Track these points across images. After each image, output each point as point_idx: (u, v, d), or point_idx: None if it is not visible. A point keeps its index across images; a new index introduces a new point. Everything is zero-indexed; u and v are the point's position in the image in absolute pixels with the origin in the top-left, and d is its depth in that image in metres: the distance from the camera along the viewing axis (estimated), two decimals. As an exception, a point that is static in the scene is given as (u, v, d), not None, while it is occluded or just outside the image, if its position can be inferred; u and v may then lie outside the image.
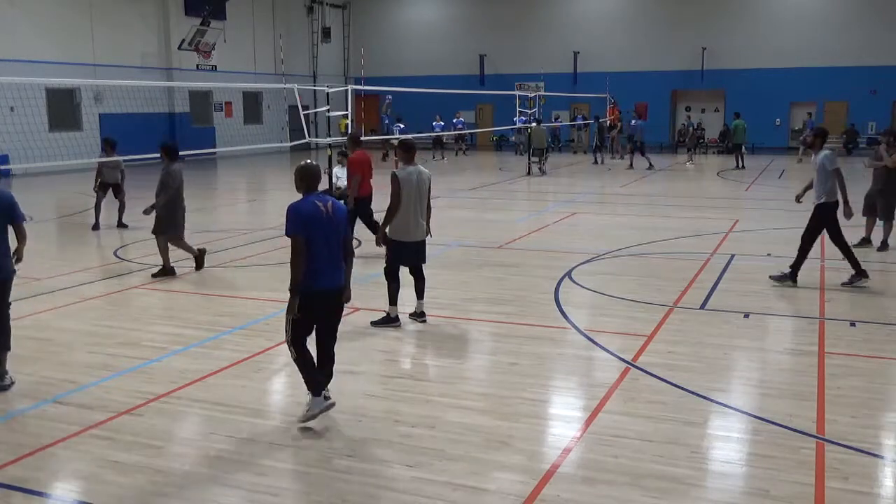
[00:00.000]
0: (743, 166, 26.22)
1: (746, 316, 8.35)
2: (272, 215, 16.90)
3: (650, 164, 26.75)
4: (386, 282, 8.11)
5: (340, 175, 15.41)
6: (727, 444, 5.36)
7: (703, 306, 8.75)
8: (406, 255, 8.06)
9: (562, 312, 8.04)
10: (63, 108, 26.85)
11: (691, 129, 31.39)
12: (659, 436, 5.36)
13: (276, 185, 25.45)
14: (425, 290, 8.26)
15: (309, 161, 5.74)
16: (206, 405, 5.96)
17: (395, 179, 7.80)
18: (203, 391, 6.25)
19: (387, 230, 7.98)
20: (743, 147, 26.65)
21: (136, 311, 8.88)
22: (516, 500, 4.54)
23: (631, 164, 27.42)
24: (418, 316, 8.21)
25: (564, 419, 5.86)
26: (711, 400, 6.02)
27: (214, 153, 31.81)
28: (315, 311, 5.57)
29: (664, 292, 9.32)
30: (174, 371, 6.69)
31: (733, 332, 7.87)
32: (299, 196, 5.58)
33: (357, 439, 5.37)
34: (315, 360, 5.74)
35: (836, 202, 9.32)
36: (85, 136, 26.66)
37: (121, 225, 14.47)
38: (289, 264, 5.53)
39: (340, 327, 7.99)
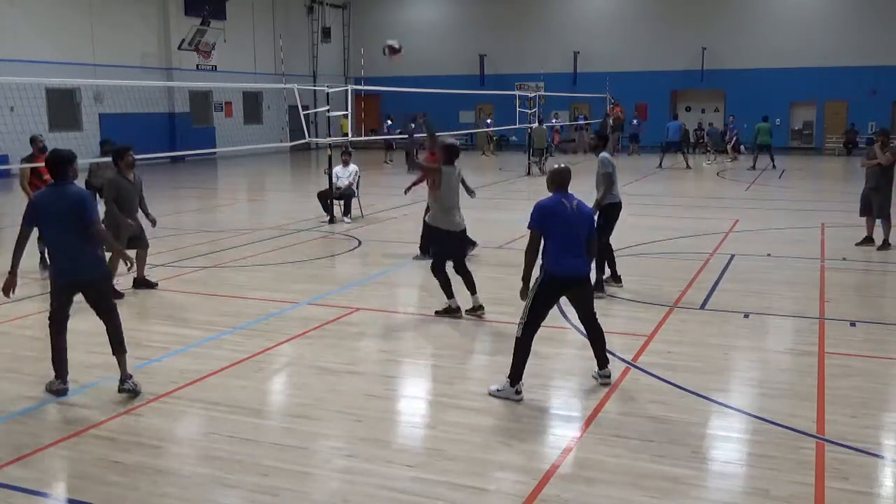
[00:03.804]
0: (752, 166, 26.29)
1: (746, 316, 8.35)
2: (272, 215, 16.93)
3: (660, 163, 27.54)
4: (437, 280, 8.32)
5: (341, 175, 15.44)
6: (727, 444, 5.36)
7: (703, 306, 8.75)
8: (452, 245, 8.39)
9: (561, 312, 8.02)
10: (63, 108, 26.82)
11: (726, 130, 31.21)
12: (659, 436, 5.36)
13: (276, 185, 25.48)
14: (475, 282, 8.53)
15: (562, 164, 6.33)
16: (206, 405, 5.96)
17: (439, 170, 8.31)
18: (203, 391, 6.25)
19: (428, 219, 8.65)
20: (761, 148, 26.51)
21: (137, 311, 8.88)
22: (516, 500, 4.54)
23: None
24: (476, 310, 8.38)
25: (564, 419, 5.86)
26: (711, 400, 6.02)
27: (214, 153, 31.82)
28: (555, 296, 6.15)
29: (664, 292, 9.32)
30: (174, 371, 6.69)
31: (733, 332, 7.87)
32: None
33: (357, 439, 5.37)
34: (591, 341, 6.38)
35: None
36: (85, 136, 26.64)
37: None
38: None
39: (346, 328, 8.04)
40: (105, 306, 6.12)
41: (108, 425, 5.60)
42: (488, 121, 34.69)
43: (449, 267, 8.39)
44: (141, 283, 9.69)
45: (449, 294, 8.32)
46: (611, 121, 31.72)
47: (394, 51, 10.93)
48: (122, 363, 6.09)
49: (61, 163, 5.93)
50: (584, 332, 6.50)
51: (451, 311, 8.33)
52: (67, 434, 5.44)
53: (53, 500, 4.70)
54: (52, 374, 6.54)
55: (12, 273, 5.99)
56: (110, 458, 5.08)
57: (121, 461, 5.04)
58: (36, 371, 6.73)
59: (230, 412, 5.82)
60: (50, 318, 6.12)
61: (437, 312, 8.39)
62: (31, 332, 7.83)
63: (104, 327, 6.17)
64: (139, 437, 5.40)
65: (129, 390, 6.01)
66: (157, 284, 9.79)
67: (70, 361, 6.75)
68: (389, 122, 30.89)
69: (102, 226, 6.18)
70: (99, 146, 13.75)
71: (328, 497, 4.60)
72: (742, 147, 31.20)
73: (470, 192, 9.49)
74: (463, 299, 8.38)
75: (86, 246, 5.94)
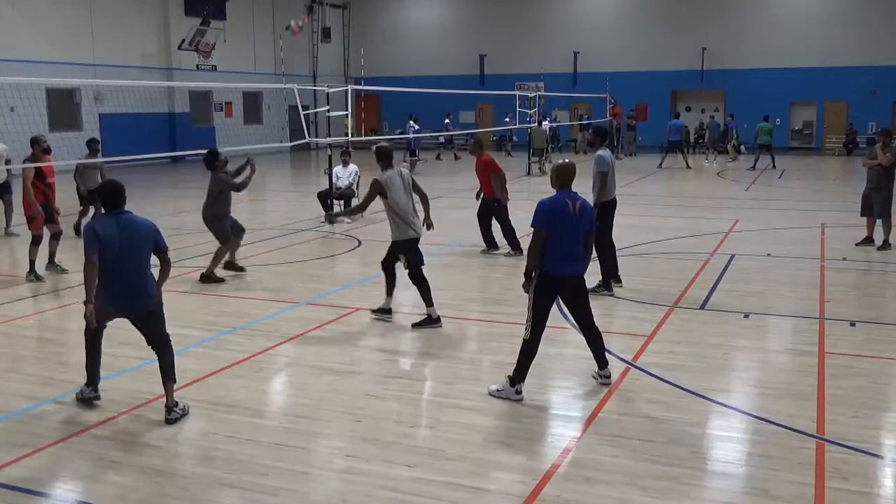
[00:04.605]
0: (752, 166, 26.30)
1: (746, 316, 8.35)
2: (272, 215, 16.93)
3: (661, 163, 27.56)
4: (418, 288, 8.08)
5: (341, 175, 15.44)
6: (727, 444, 5.36)
7: (703, 306, 8.75)
8: (417, 249, 8.11)
9: (562, 313, 8.01)
10: (63, 108, 26.81)
11: (731, 129, 31.18)
12: (659, 436, 5.36)
13: (277, 185, 25.46)
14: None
15: (566, 160, 6.22)
16: (206, 405, 5.96)
17: (375, 183, 7.93)
18: (203, 391, 6.25)
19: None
20: (762, 148, 26.54)
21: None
22: (516, 500, 4.54)
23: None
24: (434, 321, 8.01)
25: (564, 419, 5.86)
26: (711, 400, 6.02)
27: (214, 153, 31.80)
28: (552, 294, 6.13)
29: (664, 292, 9.32)
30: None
31: (733, 332, 7.86)
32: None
33: (357, 439, 5.37)
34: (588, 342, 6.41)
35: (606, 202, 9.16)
36: (85, 136, 26.57)
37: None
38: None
39: (342, 328, 8.04)
40: (158, 339, 5.87)
41: (108, 425, 5.60)
42: (507, 119, 34.36)
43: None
44: (231, 265, 10.47)
45: (429, 302, 8.01)
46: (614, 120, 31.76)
47: (295, 30, 11.11)
48: (169, 392, 5.79)
49: (119, 192, 5.81)
50: (582, 333, 6.48)
51: (432, 321, 7.96)
52: (67, 434, 5.44)
53: (53, 500, 4.70)
54: (49, 375, 6.55)
55: (89, 302, 5.69)
56: (110, 458, 5.08)
57: (121, 461, 5.04)
58: (36, 371, 6.74)
59: (230, 412, 5.83)
60: (87, 333, 5.94)
61: (414, 325, 8.01)
62: (31, 332, 7.83)
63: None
64: (139, 437, 5.40)
65: (176, 419, 5.69)
66: (244, 269, 10.56)
67: (70, 362, 6.77)
68: (416, 126, 30.06)
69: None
70: (87, 145, 13.52)
71: (328, 497, 4.60)
72: (742, 147, 31.22)
73: (423, 197, 8.37)
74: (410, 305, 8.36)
75: (145, 276, 5.82)
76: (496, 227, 11.89)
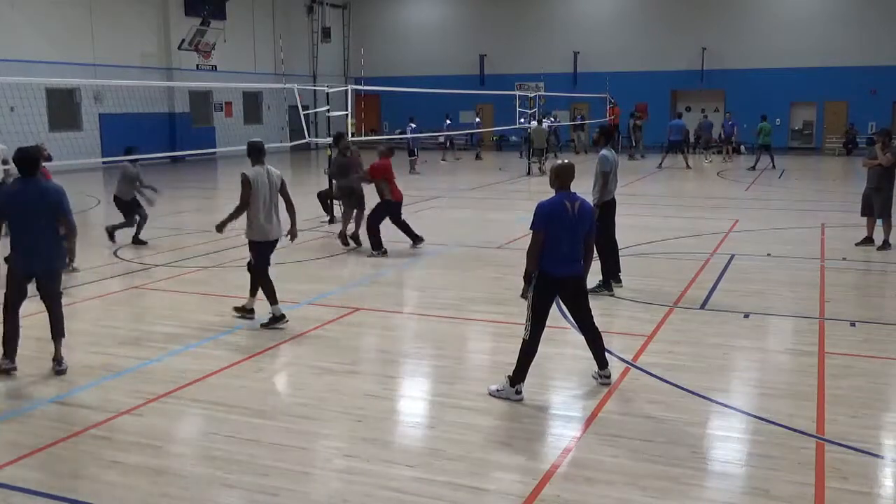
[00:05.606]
0: (752, 166, 26.22)
1: (746, 316, 8.35)
2: (272, 215, 16.87)
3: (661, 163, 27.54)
4: (259, 284, 8.10)
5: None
6: (727, 444, 5.36)
7: (703, 306, 8.75)
8: (268, 253, 8.17)
9: (562, 313, 8.01)
10: (63, 108, 26.82)
11: (732, 127, 31.06)
12: (659, 436, 5.36)
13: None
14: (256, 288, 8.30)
15: (565, 161, 6.23)
16: (206, 405, 5.97)
17: (245, 179, 8.02)
18: (203, 391, 6.25)
19: (233, 227, 8.30)
20: (767, 147, 26.49)
21: (136, 311, 8.88)
22: (516, 500, 4.55)
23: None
24: (245, 311, 8.29)
25: (564, 419, 5.86)
26: (711, 400, 6.02)
27: (214, 153, 31.80)
28: (552, 294, 6.12)
29: (664, 292, 9.31)
30: (174, 371, 6.69)
31: (733, 332, 7.86)
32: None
33: (357, 439, 5.37)
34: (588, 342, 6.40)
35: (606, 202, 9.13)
36: (85, 136, 26.67)
37: (137, 241, 12.64)
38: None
39: (342, 328, 8.04)
40: (52, 294, 6.60)
41: (108, 425, 5.60)
42: (521, 120, 34.22)
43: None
44: (355, 237, 12.27)
45: (273, 300, 8.00)
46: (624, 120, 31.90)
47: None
48: (58, 347, 6.62)
49: (33, 160, 6.45)
50: (582, 334, 6.47)
51: (276, 320, 7.94)
52: (67, 434, 5.44)
53: (53, 500, 4.69)
54: (50, 375, 6.56)
55: None
56: (110, 458, 5.08)
57: (121, 461, 5.04)
58: (36, 371, 6.74)
59: (230, 412, 5.82)
60: (5, 304, 6.55)
61: (263, 325, 7.99)
62: (31, 332, 7.81)
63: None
64: (139, 437, 5.40)
65: (65, 371, 6.54)
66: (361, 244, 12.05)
67: (70, 362, 6.77)
68: (413, 125, 29.81)
69: (73, 218, 6.63)
70: (125, 153, 12.96)
71: (328, 497, 4.61)
72: (742, 147, 31.18)
73: (289, 204, 8.30)
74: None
75: (54, 238, 6.46)
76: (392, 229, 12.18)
